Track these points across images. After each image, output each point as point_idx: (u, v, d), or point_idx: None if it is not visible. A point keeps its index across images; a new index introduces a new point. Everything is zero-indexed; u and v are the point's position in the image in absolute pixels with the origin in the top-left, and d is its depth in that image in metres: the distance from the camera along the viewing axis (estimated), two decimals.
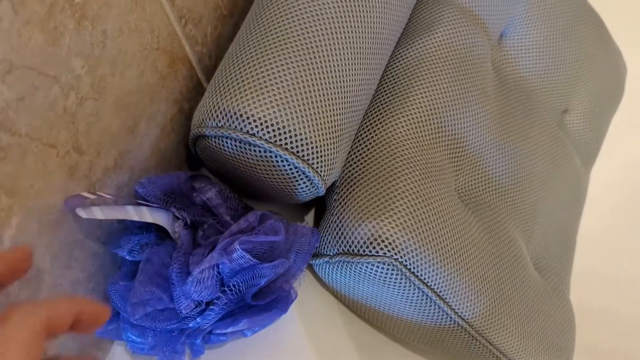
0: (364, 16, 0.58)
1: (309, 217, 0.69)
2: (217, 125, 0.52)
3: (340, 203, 0.59)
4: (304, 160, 0.53)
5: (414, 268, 0.55)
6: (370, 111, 0.64)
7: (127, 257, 0.50)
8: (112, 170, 0.50)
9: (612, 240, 1.08)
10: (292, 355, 0.60)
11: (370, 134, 0.62)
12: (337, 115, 0.55)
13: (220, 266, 0.48)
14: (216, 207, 0.53)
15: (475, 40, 0.70)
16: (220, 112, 0.52)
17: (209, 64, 0.62)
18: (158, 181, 0.52)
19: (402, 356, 0.68)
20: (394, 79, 0.66)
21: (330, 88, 0.55)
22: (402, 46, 0.68)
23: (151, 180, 0.52)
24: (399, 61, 0.67)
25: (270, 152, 0.52)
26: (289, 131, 0.51)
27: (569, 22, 0.81)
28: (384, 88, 0.66)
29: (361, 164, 0.61)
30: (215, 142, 0.54)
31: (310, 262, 0.62)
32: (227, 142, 0.53)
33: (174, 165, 0.61)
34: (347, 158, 0.62)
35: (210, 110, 0.53)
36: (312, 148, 0.53)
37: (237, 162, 0.55)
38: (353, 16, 0.57)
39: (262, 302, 0.53)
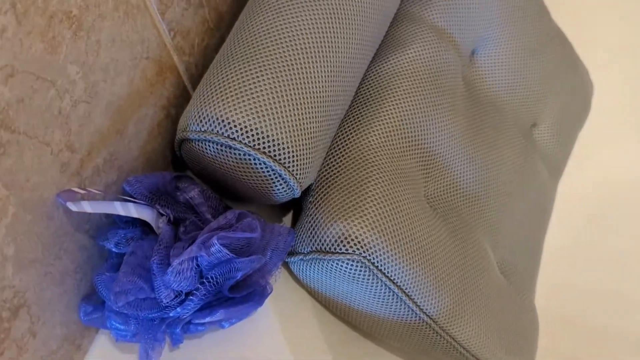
0: (341, 33, 0.63)
1: (287, 219, 0.73)
2: (200, 130, 0.57)
3: (314, 205, 0.63)
4: (280, 163, 0.57)
5: (381, 265, 0.60)
6: (346, 121, 0.69)
7: (113, 250, 0.54)
8: (102, 168, 0.54)
9: (582, 252, 1.13)
10: (266, 347, 0.64)
11: (344, 141, 0.67)
12: (313, 123, 0.60)
13: (199, 259, 0.52)
14: (198, 206, 0.58)
15: (446, 57, 0.75)
16: (204, 118, 0.56)
17: (196, 73, 0.67)
18: (144, 180, 0.56)
19: (373, 352, 0.72)
20: (369, 92, 0.71)
21: (307, 98, 0.59)
22: (377, 61, 0.73)
23: (138, 179, 0.56)
24: (374, 75, 0.72)
25: (250, 155, 0.56)
26: (267, 136, 0.56)
27: (538, 42, 0.86)
28: (359, 100, 0.70)
29: (335, 169, 0.65)
30: (198, 145, 0.58)
31: (286, 259, 0.66)
32: (209, 146, 0.57)
33: (160, 167, 0.65)
34: (323, 163, 0.66)
35: (195, 116, 0.57)
36: (289, 152, 0.57)
37: (218, 164, 0.59)
38: (331, 32, 0.62)
39: (238, 294, 0.57)
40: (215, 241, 0.51)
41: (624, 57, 1.17)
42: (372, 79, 0.72)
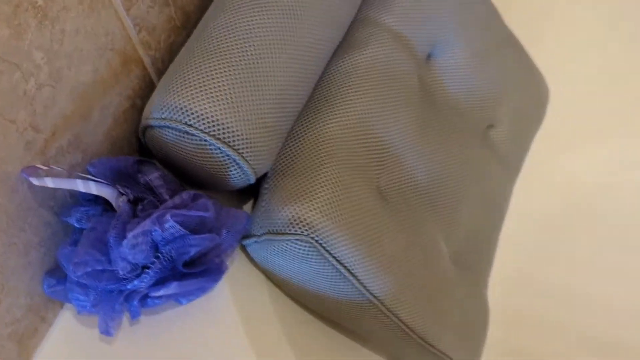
0: (296, 32, 0.68)
1: (249, 207, 0.78)
2: (161, 117, 0.61)
3: (269, 190, 0.68)
4: (234, 149, 0.62)
5: (328, 246, 0.64)
6: (304, 114, 0.74)
7: (75, 225, 0.58)
8: (66, 149, 0.58)
9: (539, 250, 1.18)
10: (221, 325, 0.68)
11: (300, 132, 0.71)
12: (267, 114, 0.65)
13: (153, 233, 0.56)
14: (157, 187, 0.62)
15: (400, 59, 0.80)
16: (164, 106, 0.61)
17: (162, 67, 0.71)
18: (107, 162, 0.60)
19: (326, 333, 0.76)
20: (326, 87, 0.76)
21: (262, 91, 0.64)
22: (336, 60, 0.78)
23: (101, 161, 0.60)
24: (332, 73, 0.77)
25: (205, 141, 0.61)
26: (222, 124, 0.60)
27: (492, 47, 0.92)
28: (317, 95, 0.75)
29: (290, 158, 0.70)
30: (159, 132, 0.63)
31: (243, 242, 0.70)
32: (169, 132, 0.62)
33: (125, 152, 0.69)
34: (279, 153, 0.71)
35: (156, 104, 0.62)
36: (243, 140, 0.62)
37: (178, 150, 0.64)
38: (286, 32, 0.67)
39: (193, 270, 0.61)
40: (169, 217, 0.56)
41: (580, 62, 1.23)
42: (330, 76, 0.76)
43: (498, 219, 0.94)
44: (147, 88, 0.70)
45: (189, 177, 0.70)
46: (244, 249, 0.72)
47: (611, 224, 1.18)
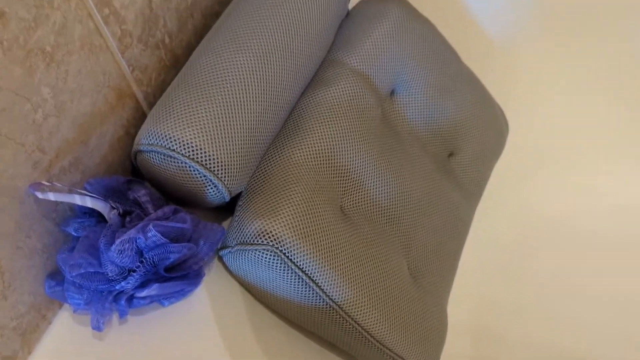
0: (269, 71, 0.79)
1: (228, 223, 0.88)
2: (148, 143, 0.72)
3: (241, 207, 0.78)
4: (211, 171, 0.72)
5: (291, 256, 0.74)
6: (275, 141, 0.84)
7: (72, 233, 0.68)
8: (67, 169, 0.69)
9: (507, 272, 1.27)
10: (199, 326, 0.77)
11: (271, 158, 0.82)
12: (241, 142, 0.75)
13: (137, 241, 0.66)
14: (144, 203, 0.72)
15: (364, 95, 0.91)
16: (152, 134, 0.72)
17: (153, 101, 0.83)
18: (101, 181, 0.71)
19: (292, 335, 0.85)
20: (297, 119, 0.86)
21: (237, 122, 0.75)
22: (306, 95, 0.89)
23: (97, 180, 0.71)
24: (302, 106, 0.88)
25: (186, 164, 0.71)
26: (201, 149, 0.71)
27: (451, 84, 1.03)
28: (288, 125, 0.86)
29: (261, 179, 0.80)
30: (147, 156, 0.73)
31: (220, 253, 0.80)
32: (155, 156, 0.73)
33: (119, 173, 0.80)
34: (253, 175, 0.81)
35: (145, 132, 0.73)
36: (218, 163, 0.72)
37: (163, 171, 0.74)
38: (261, 71, 0.78)
39: (173, 275, 0.71)
40: (151, 227, 0.66)
41: (541, 97, 1.34)
42: (300, 109, 0.87)
43: (457, 239, 1.03)
44: (140, 118, 0.81)
45: (174, 195, 0.80)
46: (221, 259, 0.82)
47: (570, 248, 1.27)
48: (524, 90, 1.33)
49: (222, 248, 0.79)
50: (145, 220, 0.68)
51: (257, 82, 0.78)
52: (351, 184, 0.87)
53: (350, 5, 1.02)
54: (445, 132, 1.03)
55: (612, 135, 1.33)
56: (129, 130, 0.80)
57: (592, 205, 1.32)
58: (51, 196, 0.63)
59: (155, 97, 0.84)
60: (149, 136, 0.72)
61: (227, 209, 0.84)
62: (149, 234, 0.66)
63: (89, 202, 0.67)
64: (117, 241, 0.64)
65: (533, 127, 1.31)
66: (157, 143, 0.71)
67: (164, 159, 0.72)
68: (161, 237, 0.67)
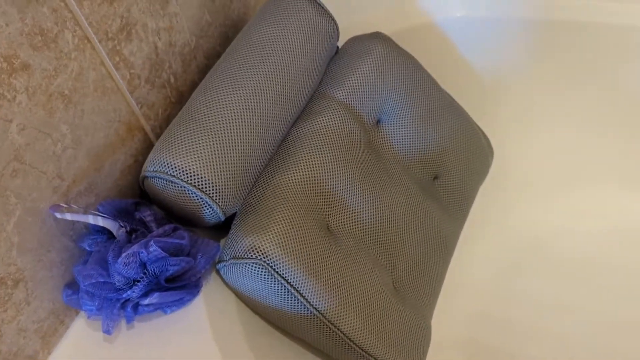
0: (262, 106, 0.90)
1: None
2: (153, 170, 0.83)
3: (236, 226, 0.88)
4: (207, 194, 0.83)
5: (278, 268, 0.83)
6: (268, 167, 0.94)
7: (86, 249, 0.79)
8: (83, 193, 0.80)
9: (500, 289, 1.33)
10: (197, 332, 0.86)
11: (264, 181, 0.92)
12: (236, 168, 0.85)
13: (140, 255, 0.76)
14: (148, 222, 0.83)
15: (349, 124, 1.01)
16: (156, 162, 0.83)
17: (160, 132, 0.94)
18: (112, 203, 0.82)
19: (282, 342, 0.94)
20: (288, 147, 0.97)
21: (233, 150, 0.85)
22: (296, 126, 0.99)
23: (108, 202, 0.82)
24: (293, 136, 0.98)
25: (185, 188, 0.82)
26: (198, 175, 0.81)
27: (434, 112, 1.12)
28: (280, 152, 0.96)
29: (254, 201, 0.90)
30: (152, 181, 0.84)
31: (217, 267, 0.90)
32: (159, 181, 0.83)
33: (129, 196, 0.91)
34: (246, 197, 0.91)
35: (150, 161, 0.84)
36: (214, 188, 0.83)
37: (166, 194, 0.85)
38: (254, 106, 0.89)
39: (173, 285, 0.81)
40: (153, 243, 0.76)
41: (527, 123, 1.42)
42: (291, 138, 0.98)
43: (442, 256, 1.10)
44: (148, 148, 0.92)
45: (177, 215, 0.90)
46: (218, 272, 0.92)
47: (562, 267, 1.33)
48: (510, 116, 1.42)
49: (218, 262, 0.89)
50: (148, 237, 0.79)
51: (251, 115, 0.88)
52: (337, 205, 0.96)
53: (340, 43, 1.12)
54: (430, 157, 1.12)
55: (597, 159, 1.40)
56: (138, 159, 0.91)
57: (578, 227, 1.38)
58: (68, 216, 0.74)
59: (162, 129, 0.95)
60: (154, 164, 0.83)
61: (224, 228, 0.94)
62: (151, 249, 0.76)
63: (101, 222, 0.77)
64: (123, 255, 0.75)
65: (520, 151, 1.38)
66: (161, 170, 0.82)
67: (167, 184, 0.83)
68: (161, 251, 0.77)
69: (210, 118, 0.85)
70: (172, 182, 0.82)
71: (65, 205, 0.75)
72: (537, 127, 1.41)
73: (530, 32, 1.31)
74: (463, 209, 1.17)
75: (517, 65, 1.34)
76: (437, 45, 1.33)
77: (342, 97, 1.03)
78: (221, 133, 0.85)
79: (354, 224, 0.98)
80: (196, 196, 0.82)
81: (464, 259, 1.27)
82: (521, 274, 1.33)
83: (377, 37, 1.09)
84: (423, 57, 1.16)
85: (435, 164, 1.13)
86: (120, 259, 0.75)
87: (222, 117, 0.86)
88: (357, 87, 1.04)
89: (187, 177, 0.81)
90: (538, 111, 1.40)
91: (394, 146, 1.09)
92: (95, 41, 0.74)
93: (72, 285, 0.82)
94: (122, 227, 0.81)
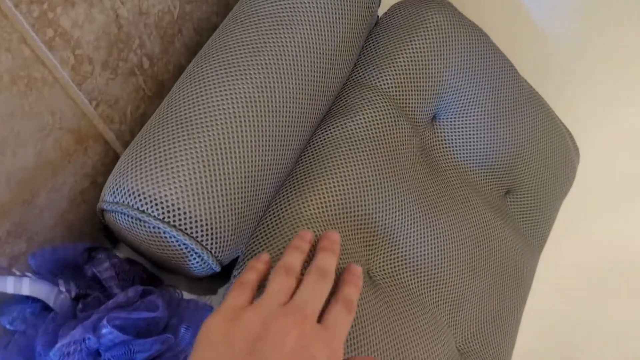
0: (277, 102, 0.61)
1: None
2: (113, 201, 0.55)
3: None
4: (193, 238, 0.55)
5: None
6: (283, 190, 0.66)
7: (8, 327, 0.52)
8: (4, 240, 0.52)
9: (573, 329, 1.05)
10: None
11: (277, 213, 0.64)
12: (236, 196, 0.58)
13: (87, 342, 0.49)
14: (106, 280, 0.55)
15: (396, 123, 0.72)
16: (117, 189, 0.55)
17: (130, 140, 0.66)
18: (51, 253, 0.55)
19: None
20: (310, 159, 0.68)
21: (232, 170, 0.57)
22: (323, 128, 0.70)
23: (43, 252, 0.54)
24: (317, 142, 0.69)
25: (159, 228, 0.54)
26: (179, 210, 0.54)
27: (508, 105, 0.82)
28: (299, 168, 0.68)
29: (263, 242, 0.62)
30: (113, 216, 0.57)
31: None
32: (122, 217, 0.56)
33: (86, 235, 0.64)
34: (253, 234, 0.63)
35: (110, 186, 0.56)
36: (203, 227, 0.55)
37: (134, 235, 0.57)
38: (264, 103, 0.60)
39: None
40: (105, 323, 0.49)
41: (613, 120, 1.11)
42: (314, 146, 0.69)
43: (518, 298, 0.82)
44: (112, 164, 0.64)
45: (157, 261, 0.63)
46: None
47: None
48: (593, 107, 1.11)
49: None
50: (102, 310, 0.51)
51: (257, 117, 0.60)
52: (380, 241, 0.68)
53: (381, 11, 0.82)
54: (501, 165, 0.83)
55: None
56: (97, 180, 0.63)
57: None
58: None
59: (134, 134, 0.67)
60: (114, 192, 0.55)
61: (224, 270, 0.66)
62: (103, 331, 0.49)
63: (26, 288, 0.50)
64: (58, 345, 0.47)
65: (605, 152, 1.08)
66: (123, 202, 0.54)
67: (134, 222, 0.55)
68: (119, 333, 0.50)
69: (197, 121, 0.57)
70: (141, 220, 0.54)
71: None
72: (624, 118, 1.10)
73: None
74: (542, 233, 0.88)
75: (599, 32, 1.02)
76: (504, 10, 1.02)
77: (386, 85, 0.74)
78: (214, 144, 0.57)
79: (403, 266, 0.70)
80: (176, 241, 0.55)
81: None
82: (601, 306, 1.04)
83: (433, 2, 0.79)
84: (490, 26, 0.85)
85: (508, 174, 0.84)
86: (54, 350, 0.48)
87: (215, 119, 0.57)
88: (408, 71, 0.74)
89: (163, 212, 0.53)
90: (626, 95, 1.08)
91: (455, 151, 0.80)
92: (7, 4, 0.46)
93: None
94: (63, 292, 0.53)
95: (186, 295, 0.67)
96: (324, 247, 0.53)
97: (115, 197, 0.55)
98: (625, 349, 1.00)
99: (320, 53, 0.66)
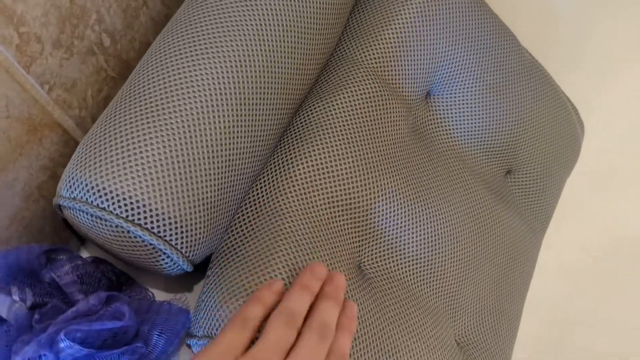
0: (254, 82, 0.55)
1: None
2: (70, 197, 0.49)
3: (212, 280, 0.55)
4: (161, 237, 0.49)
5: None
6: (262, 177, 0.60)
7: None
8: None
9: (578, 312, 1.00)
10: None
11: (256, 203, 0.58)
12: (209, 188, 0.52)
13: (43, 358, 0.44)
14: (66, 286, 0.50)
15: (386, 102, 0.66)
16: (74, 183, 0.49)
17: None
18: (4, 256, 0.49)
19: None
20: (292, 142, 0.62)
21: (204, 156, 0.51)
22: (305, 108, 0.64)
23: None
24: (299, 124, 0.63)
25: (122, 227, 0.48)
26: (144, 206, 0.48)
27: (509, 78, 0.76)
28: (278, 154, 0.62)
29: (240, 237, 0.56)
30: (71, 213, 0.51)
31: (187, 342, 0.57)
32: (82, 215, 0.50)
33: (47, 233, 0.58)
34: (229, 229, 0.58)
35: (67, 180, 0.50)
36: (172, 225, 0.49)
37: (95, 234, 0.51)
38: (238, 83, 0.54)
39: None
40: (62, 336, 0.43)
41: (623, 90, 1.04)
42: (295, 130, 0.63)
43: (522, 284, 0.77)
44: (71, 154, 0.58)
45: (123, 259, 0.57)
46: (191, 348, 0.59)
47: None
48: (599, 80, 1.04)
49: (189, 336, 0.56)
50: (60, 320, 0.46)
51: (232, 98, 0.54)
52: (371, 231, 0.63)
53: None
54: (501, 143, 0.77)
55: None
56: (57, 172, 0.57)
57: None
58: None
59: (96, 120, 0.60)
60: (71, 186, 0.49)
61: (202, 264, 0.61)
62: (61, 346, 0.44)
63: None
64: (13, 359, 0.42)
65: (611, 125, 1.02)
66: (82, 197, 0.48)
67: (93, 219, 0.49)
68: (80, 347, 0.44)
69: (164, 104, 0.51)
70: (101, 218, 0.48)
71: None
72: (632, 90, 1.04)
73: None
74: (545, 213, 0.83)
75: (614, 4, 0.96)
76: None
77: (371, 60, 0.67)
78: (183, 130, 0.51)
79: (397, 257, 0.65)
80: (142, 240, 0.49)
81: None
82: (609, 287, 0.99)
83: None
84: None
85: (509, 152, 0.78)
86: None
87: (184, 101, 0.51)
88: (397, 43, 0.68)
89: (126, 209, 0.48)
90: (632, 65, 1.02)
91: (451, 129, 0.74)
92: None
93: None
94: (18, 301, 0.48)
95: (161, 295, 0.62)
96: (328, 295, 0.47)
97: (72, 192, 0.49)
98: (631, 333, 0.95)
99: (299, 26, 0.59)
